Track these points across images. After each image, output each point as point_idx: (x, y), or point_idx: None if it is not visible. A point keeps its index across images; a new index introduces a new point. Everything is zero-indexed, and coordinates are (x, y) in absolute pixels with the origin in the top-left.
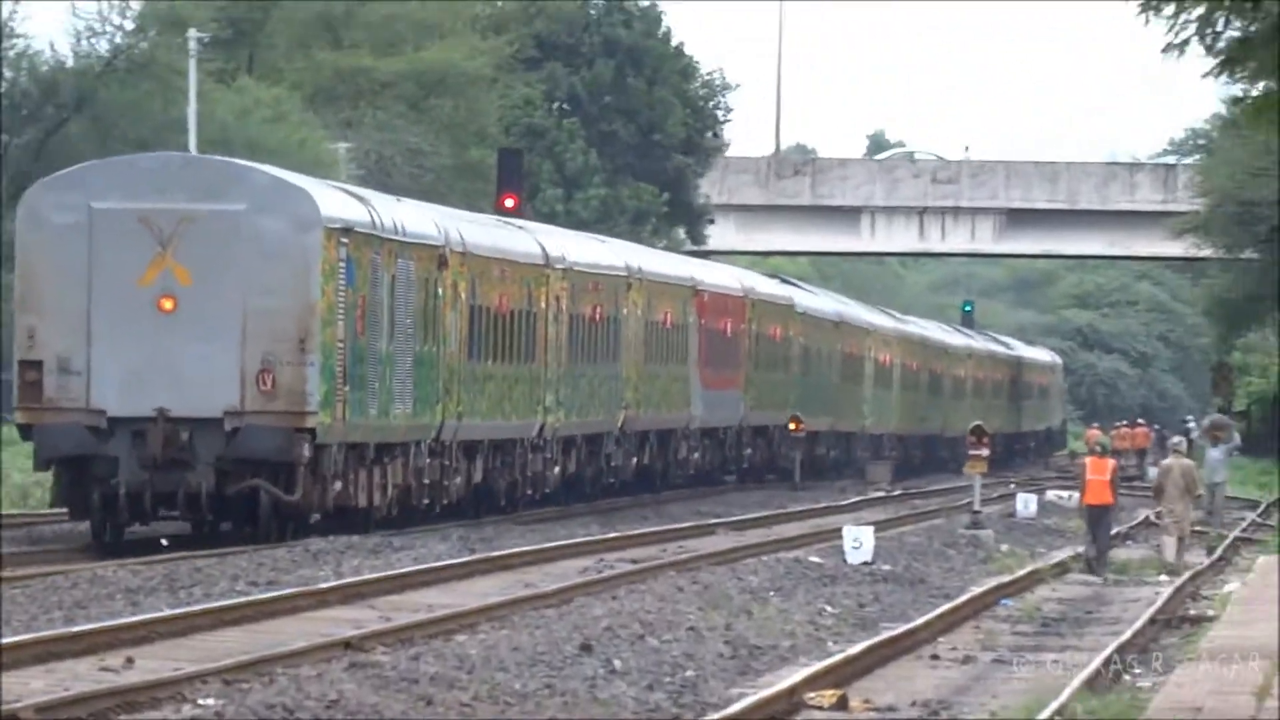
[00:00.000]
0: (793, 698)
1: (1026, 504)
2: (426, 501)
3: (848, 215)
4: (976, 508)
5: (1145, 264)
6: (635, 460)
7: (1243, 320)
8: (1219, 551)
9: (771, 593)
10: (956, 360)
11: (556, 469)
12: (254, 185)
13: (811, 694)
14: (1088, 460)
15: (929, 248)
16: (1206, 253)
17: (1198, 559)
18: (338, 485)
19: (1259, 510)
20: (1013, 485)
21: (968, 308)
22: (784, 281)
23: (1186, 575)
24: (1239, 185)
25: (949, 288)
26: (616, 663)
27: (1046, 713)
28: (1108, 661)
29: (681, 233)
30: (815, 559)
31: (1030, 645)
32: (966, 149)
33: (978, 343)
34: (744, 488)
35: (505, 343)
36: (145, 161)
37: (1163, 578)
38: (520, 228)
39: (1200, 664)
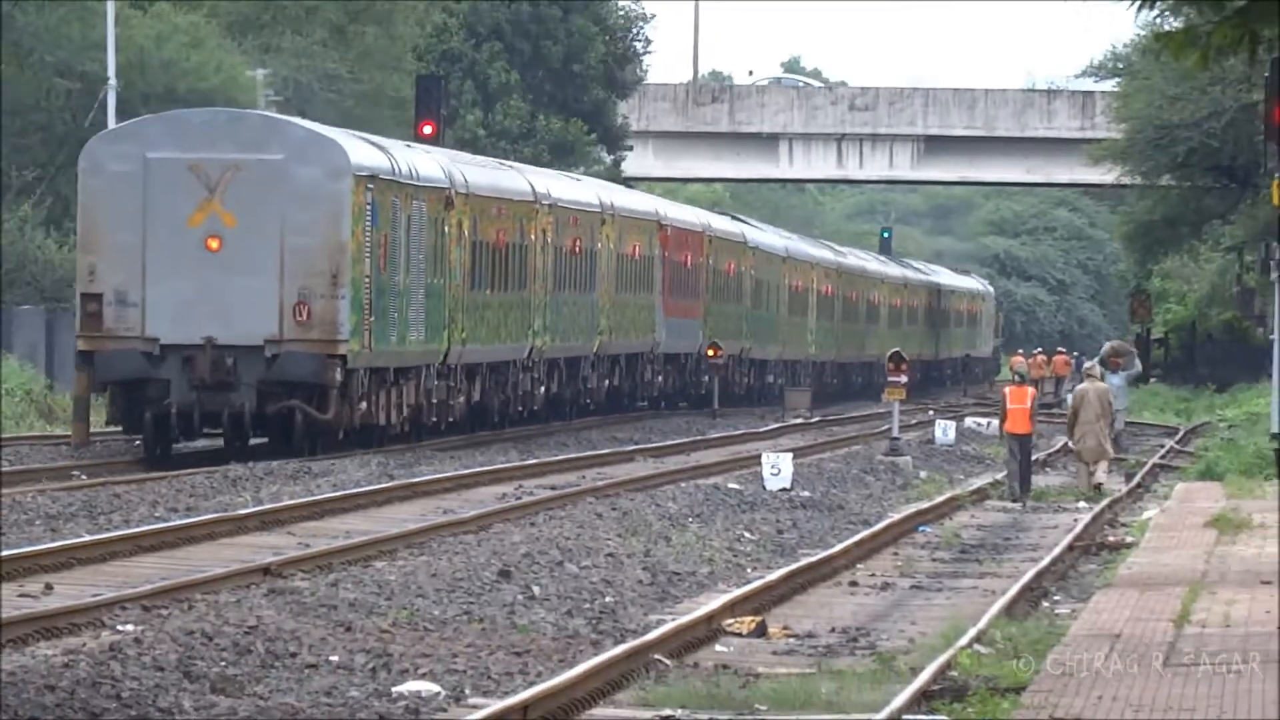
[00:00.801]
0: (711, 624)
1: (945, 431)
2: (434, 419)
3: (765, 142)
4: (895, 434)
5: (1063, 191)
6: (607, 382)
7: (1160, 246)
8: (1137, 478)
9: (690, 519)
10: (875, 286)
11: (542, 389)
12: (292, 137)
13: (730, 620)
14: (1007, 389)
15: (847, 175)
16: (1125, 179)
17: (1116, 485)
18: (363, 405)
19: (1176, 437)
20: (932, 412)
21: (886, 234)
22: (735, 219)
23: (1105, 502)
24: (1157, 110)
25: (867, 215)
26: (535, 589)
27: (965, 639)
28: (1026, 588)
29: (604, 154)
30: (734, 485)
31: (949, 572)
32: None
33: (896, 269)
34: (667, 414)
35: (501, 274)
36: (195, 116)
37: (1081, 504)
38: (511, 167)
39: (1118, 590)
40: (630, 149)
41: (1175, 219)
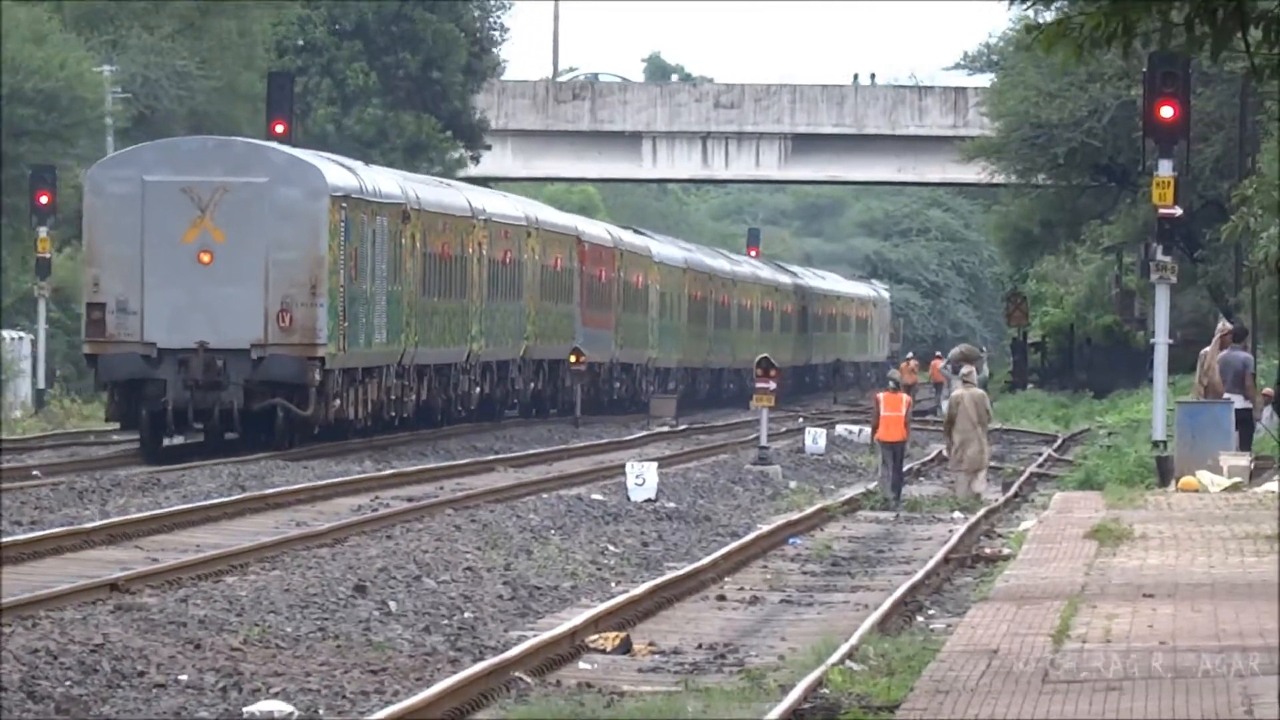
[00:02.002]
0: (574, 641)
1: (816, 439)
2: (393, 414)
3: (629, 141)
4: (764, 443)
5: (936, 190)
6: (532, 385)
7: (1036, 248)
8: (1014, 487)
9: (552, 531)
10: (743, 290)
11: (477, 390)
12: (274, 162)
13: (594, 637)
14: (880, 395)
15: (712, 174)
16: (999, 177)
17: (993, 495)
18: (337, 403)
19: (1054, 445)
20: (802, 420)
21: (752, 236)
22: (638, 232)
23: (981, 512)
24: (1033, 107)
25: (734, 215)
26: (391, 604)
27: (837, 655)
28: (900, 602)
29: (461, 152)
30: (597, 496)
31: (820, 585)
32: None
33: (765, 272)
34: (530, 422)
35: (446, 282)
36: (187, 144)
37: (956, 514)
38: (450, 185)
39: (995, 604)
40: (488, 148)
41: (1051, 219)
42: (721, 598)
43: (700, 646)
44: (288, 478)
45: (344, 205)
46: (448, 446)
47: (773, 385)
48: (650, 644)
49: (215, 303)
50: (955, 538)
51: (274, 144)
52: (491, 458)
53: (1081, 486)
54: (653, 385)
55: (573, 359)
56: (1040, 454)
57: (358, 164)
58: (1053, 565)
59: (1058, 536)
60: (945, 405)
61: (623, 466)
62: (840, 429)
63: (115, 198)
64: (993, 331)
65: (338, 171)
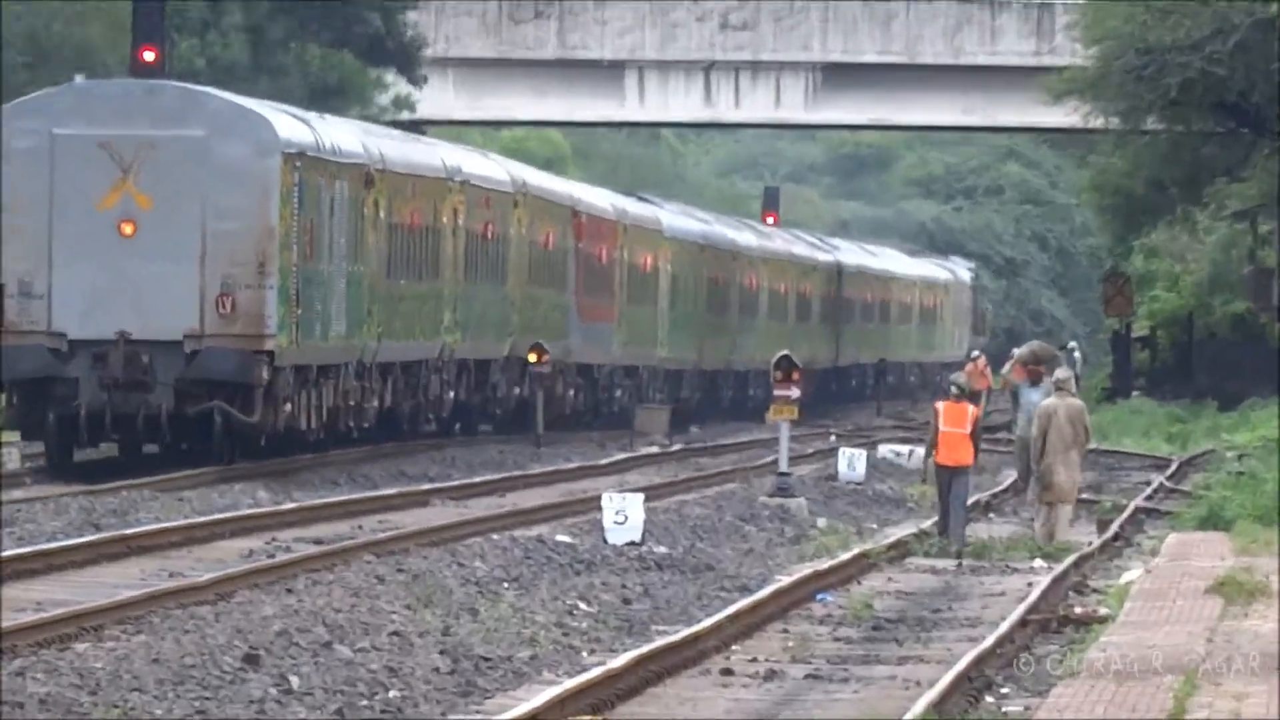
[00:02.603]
0: None
1: (852, 463)
2: (351, 424)
3: (608, 73)
4: (783, 468)
5: (1013, 138)
6: (516, 390)
7: (1145, 214)
8: (1115, 527)
9: (505, 584)
10: (774, 271)
11: (451, 393)
12: (213, 111)
13: None
14: (940, 406)
15: (718, 116)
16: (1095, 122)
17: (1085, 537)
18: (287, 407)
19: (1168, 472)
20: (834, 438)
21: (770, 197)
22: (643, 200)
23: (1070, 560)
24: (1140, 28)
25: (745, 170)
26: (293, 679)
27: None
28: (963, 677)
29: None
30: (564, 538)
31: (858, 655)
32: None
33: (800, 247)
34: (472, 440)
35: (415, 261)
36: (106, 88)
37: (1037, 563)
38: (418, 140)
39: (1088, 681)
40: (424, 79)
41: (1163, 176)
42: (727, 672)
43: None
44: (156, 513)
45: (298, 165)
46: (367, 473)
47: (795, 393)
48: None
49: (140, 284)
50: (1036, 593)
51: (213, 90)
52: (426, 487)
53: (1203, 526)
54: (661, 393)
55: (533, 358)
56: (1148, 483)
57: (312, 115)
58: (1164, 630)
59: (1171, 592)
60: (1019, 419)
61: (598, 499)
62: (884, 450)
63: (17, 154)
64: (1086, 323)
65: (290, 124)
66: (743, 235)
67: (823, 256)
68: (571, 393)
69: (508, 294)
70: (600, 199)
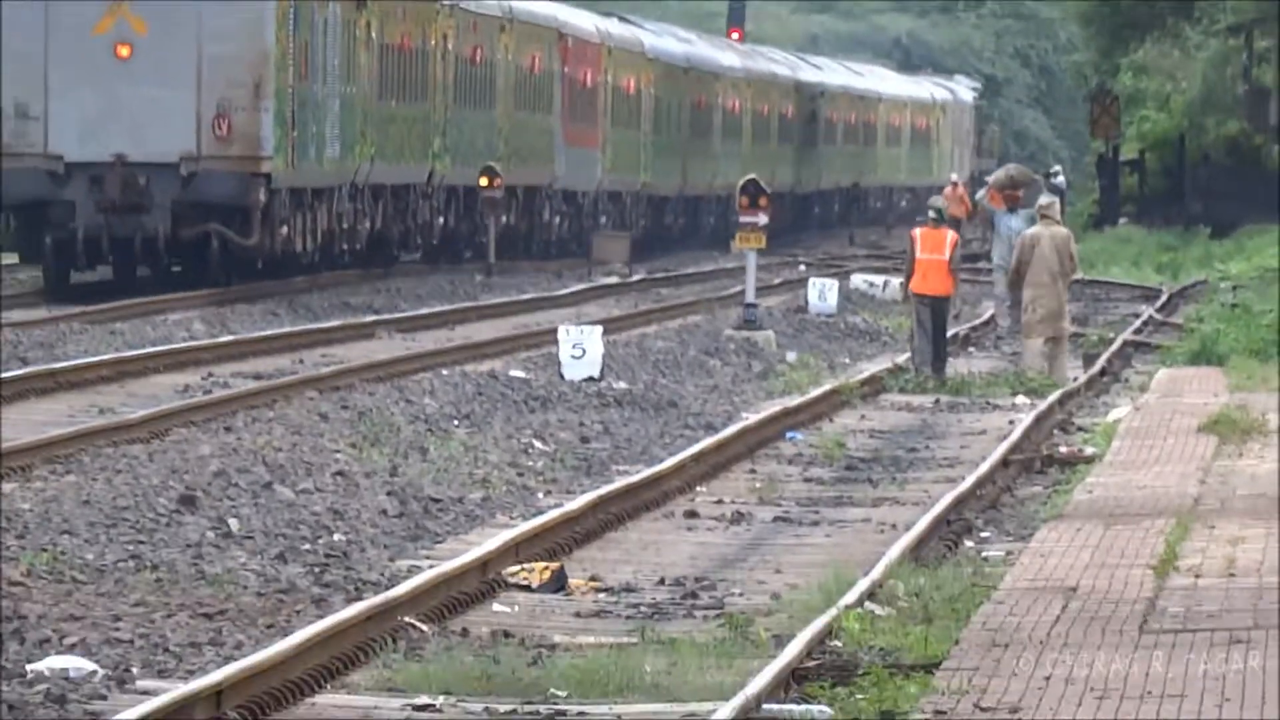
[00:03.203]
0: (487, 573)
1: (823, 294)
2: (345, 247)
3: None
4: (750, 299)
5: None
6: (505, 219)
7: (1133, 28)
8: (1101, 361)
9: (455, 422)
10: (752, 92)
11: (440, 220)
12: None
13: (514, 568)
14: (917, 233)
15: None
16: None
17: (1071, 372)
18: (284, 230)
19: (1158, 303)
20: (803, 267)
21: (735, 13)
22: (624, 21)
23: (1054, 396)
24: None
25: None
26: (232, 522)
27: (853, 594)
28: (942, 520)
29: None
30: (518, 373)
31: (830, 498)
32: None
33: (782, 68)
34: (427, 268)
35: (405, 84)
36: None
37: (1019, 399)
38: None
39: (1074, 524)
40: None
41: None
42: (692, 514)
43: (662, 582)
44: (86, 346)
45: None
46: (306, 303)
47: (763, 219)
48: (592, 579)
49: (136, 107)
50: (1018, 431)
51: None
52: (370, 319)
53: (1195, 361)
54: (644, 219)
55: (484, 182)
56: (1137, 315)
57: None
58: (1154, 470)
59: (1161, 430)
60: (998, 247)
61: (553, 332)
62: (857, 280)
63: None
64: (1071, 146)
65: None
66: (725, 56)
67: (805, 76)
68: (558, 220)
69: (495, 119)
70: (584, 21)
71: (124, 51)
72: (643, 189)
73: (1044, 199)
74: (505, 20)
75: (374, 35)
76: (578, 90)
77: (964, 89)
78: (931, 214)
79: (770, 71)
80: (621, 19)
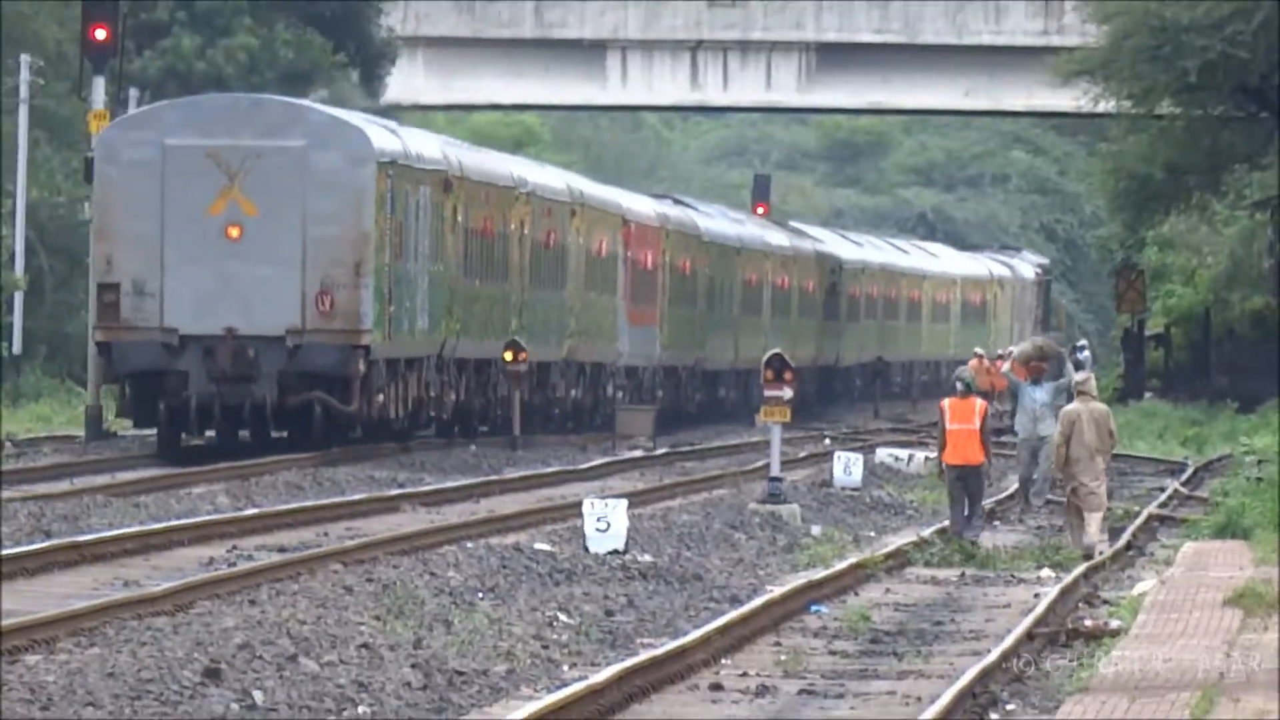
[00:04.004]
0: None
1: (848, 467)
2: (432, 414)
3: (589, 53)
4: (775, 473)
5: (1018, 122)
6: (573, 392)
7: (1159, 203)
8: (1127, 535)
9: (480, 595)
10: (794, 269)
11: (517, 393)
12: (313, 123)
13: None
14: (946, 404)
15: (706, 99)
16: (1106, 105)
17: (1101, 544)
18: (380, 398)
19: (1183, 477)
20: (828, 441)
21: (760, 186)
22: (679, 203)
23: (1080, 569)
24: (1157, 5)
25: (734, 157)
26: (257, 695)
27: None
28: (967, 693)
29: (354, 79)
30: (543, 546)
31: (854, 670)
32: None
33: (802, 242)
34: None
35: (487, 265)
36: (214, 101)
37: (1045, 573)
38: (488, 151)
39: (1099, 697)
40: (392, 65)
41: (1180, 163)
42: (717, 687)
43: None
44: (110, 518)
45: (390, 173)
46: (333, 477)
47: (788, 393)
48: None
49: (245, 284)
50: (1043, 605)
51: (312, 103)
52: (395, 492)
53: (1220, 534)
54: (699, 393)
55: (509, 356)
56: (1163, 489)
57: (393, 123)
58: (1180, 643)
59: (1187, 603)
60: (1021, 419)
61: (578, 506)
62: (882, 454)
63: (131, 164)
64: (1097, 319)
65: (381, 134)
66: (771, 234)
67: (847, 254)
68: (620, 394)
69: (566, 299)
70: (645, 207)
71: (234, 232)
72: (697, 363)
73: (1079, 375)
74: (576, 205)
75: (459, 218)
76: (639, 271)
77: (1026, 265)
78: (959, 386)
79: (815, 250)
80: (678, 201)
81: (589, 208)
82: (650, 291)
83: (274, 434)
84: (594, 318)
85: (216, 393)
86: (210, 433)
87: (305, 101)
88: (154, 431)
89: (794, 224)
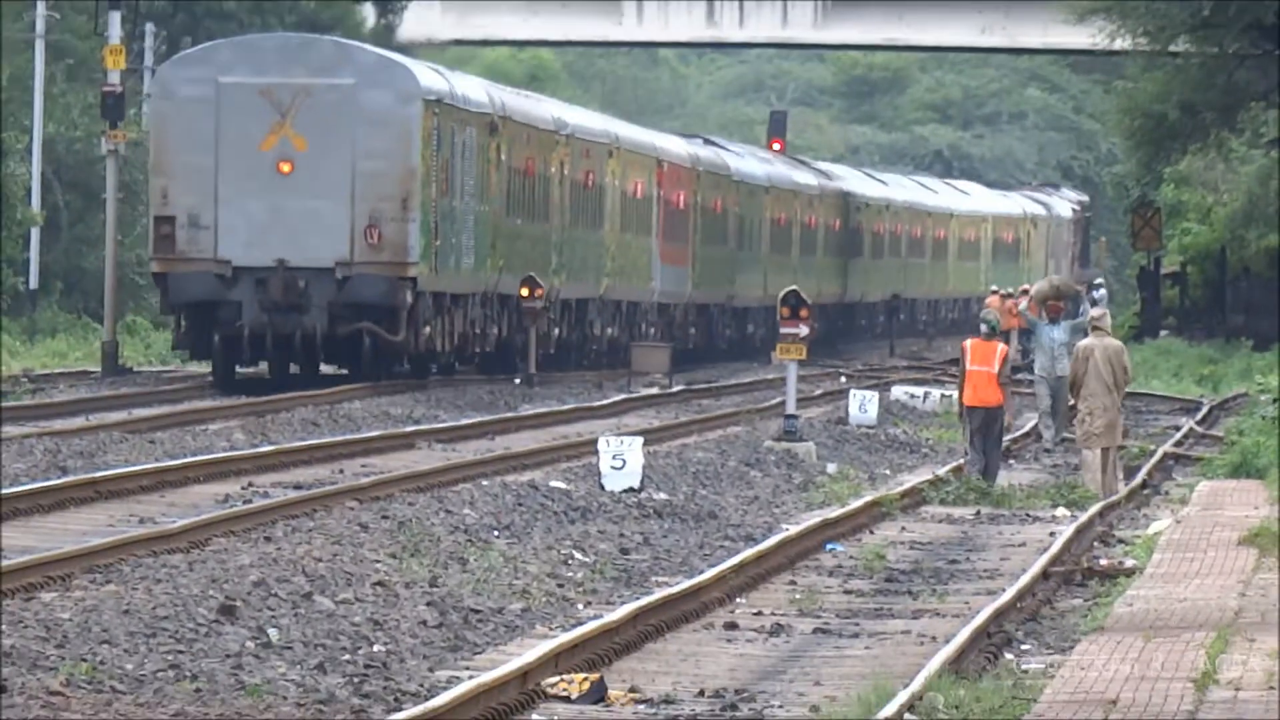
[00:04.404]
0: (526, 684)
1: (863, 405)
2: (477, 350)
3: None
4: (791, 410)
5: (1034, 60)
6: (610, 330)
7: (1175, 140)
8: (1142, 474)
9: (495, 532)
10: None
11: (556, 331)
12: (362, 62)
13: (554, 679)
14: (968, 345)
15: (721, 36)
16: (1122, 43)
17: (1120, 485)
18: (426, 330)
19: (1198, 415)
20: (844, 379)
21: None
22: (709, 143)
23: (1096, 508)
24: None
25: (750, 93)
26: (272, 632)
27: (893, 706)
28: (981, 632)
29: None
30: (558, 484)
31: (870, 609)
32: None
33: (829, 181)
34: (460, 380)
35: (529, 205)
36: (267, 41)
37: (1060, 511)
38: (530, 94)
39: (1114, 636)
40: (406, 3)
41: (1196, 101)
42: (732, 626)
43: (702, 694)
44: (126, 455)
45: (436, 111)
46: (348, 413)
47: (804, 330)
48: (632, 690)
49: (296, 217)
50: (1058, 544)
51: (360, 43)
52: (410, 429)
53: (1235, 474)
54: (729, 328)
55: (524, 292)
56: (1178, 427)
57: (441, 67)
58: (1195, 582)
59: (1202, 543)
60: (1039, 358)
61: (593, 443)
62: (898, 391)
63: (187, 101)
64: (1113, 257)
65: (429, 74)
66: (799, 174)
67: (872, 192)
68: (652, 331)
69: (603, 239)
70: (678, 147)
71: (285, 168)
72: (727, 301)
73: (1095, 311)
74: (613, 147)
75: (503, 159)
76: (672, 211)
77: (1064, 203)
78: (984, 328)
79: (840, 189)
80: (708, 141)
81: (625, 150)
82: (682, 231)
83: (323, 367)
84: (630, 257)
85: (268, 322)
86: (263, 364)
87: (354, 42)
88: (168, 368)
89: (820, 164)
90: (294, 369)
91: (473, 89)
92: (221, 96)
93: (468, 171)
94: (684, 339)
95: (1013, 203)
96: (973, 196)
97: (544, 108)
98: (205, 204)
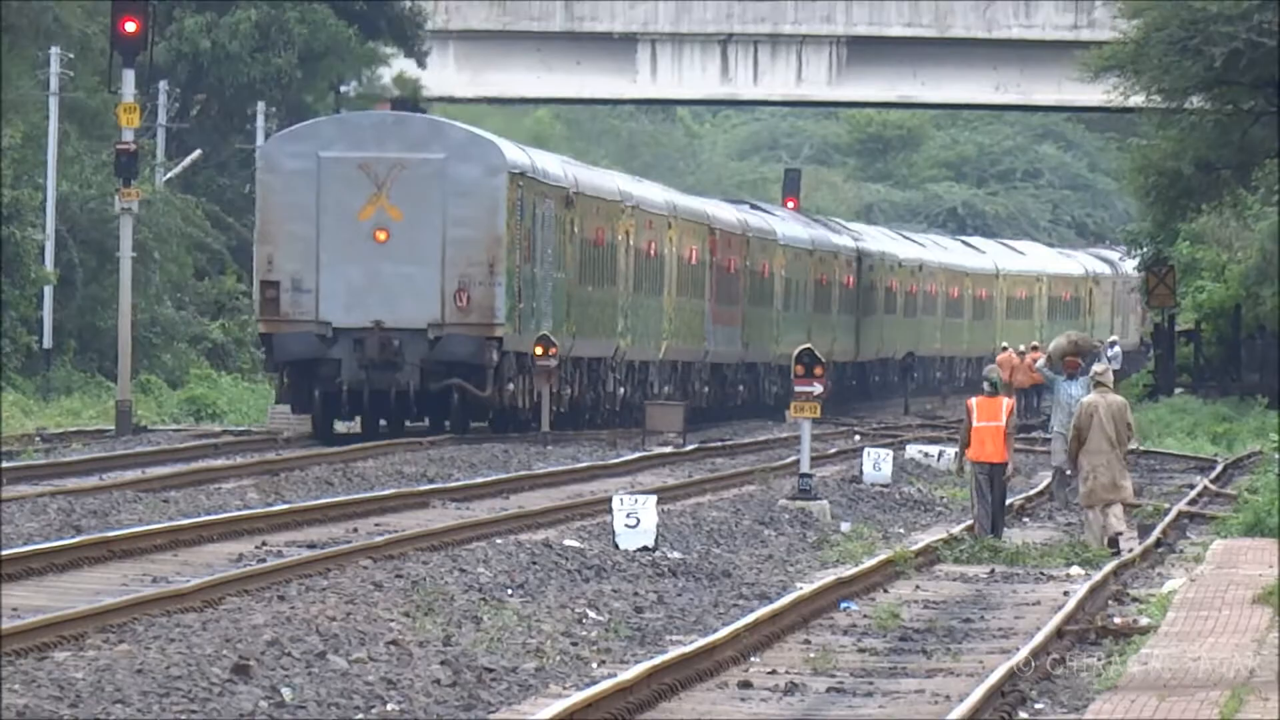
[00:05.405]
0: None
1: (877, 464)
2: (553, 407)
3: (619, 47)
4: (805, 469)
5: (1049, 117)
6: (668, 388)
7: (1190, 198)
8: (1156, 532)
9: (509, 591)
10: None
11: (621, 389)
12: (452, 138)
13: None
14: (974, 402)
15: (736, 93)
16: (1136, 99)
17: (1126, 543)
18: (510, 387)
19: (1212, 474)
20: (858, 437)
21: (790, 181)
22: (755, 208)
23: (1108, 567)
24: None
25: (765, 151)
26: (286, 692)
27: None
28: (996, 692)
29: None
30: (573, 543)
31: (884, 668)
32: None
33: (810, 230)
34: (475, 441)
35: (599, 272)
36: (365, 119)
37: (1074, 570)
38: (599, 169)
39: (1128, 695)
40: (427, 53)
41: (1211, 158)
42: (746, 685)
43: None
44: (139, 514)
45: (520, 184)
46: (361, 471)
47: (817, 389)
48: None
49: (391, 281)
50: (1072, 602)
51: (451, 120)
52: (425, 488)
53: (1250, 532)
54: (775, 385)
55: (539, 351)
56: (1192, 486)
57: (525, 146)
58: (1209, 641)
59: (1216, 601)
60: (1056, 415)
61: (607, 501)
62: (912, 450)
63: (290, 174)
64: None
65: (513, 149)
66: (840, 238)
67: (906, 254)
68: (706, 389)
69: (662, 303)
70: (729, 215)
71: (381, 236)
72: (774, 360)
73: (1098, 366)
74: (671, 217)
75: (576, 230)
76: (723, 274)
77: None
78: (986, 386)
79: (880, 251)
80: (754, 207)
81: (682, 219)
82: (733, 293)
83: (410, 422)
84: (685, 319)
85: (366, 379)
86: (357, 420)
87: (445, 120)
88: (185, 427)
89: (855, 226)
90: (383, 423)
91: (550, 163)
92: (322, 170)
93: (547, 240)
94: (734, 396)
95: (1074, 262)
96: (1029, 256)
97: (611, 181)
98: (308, 269)
